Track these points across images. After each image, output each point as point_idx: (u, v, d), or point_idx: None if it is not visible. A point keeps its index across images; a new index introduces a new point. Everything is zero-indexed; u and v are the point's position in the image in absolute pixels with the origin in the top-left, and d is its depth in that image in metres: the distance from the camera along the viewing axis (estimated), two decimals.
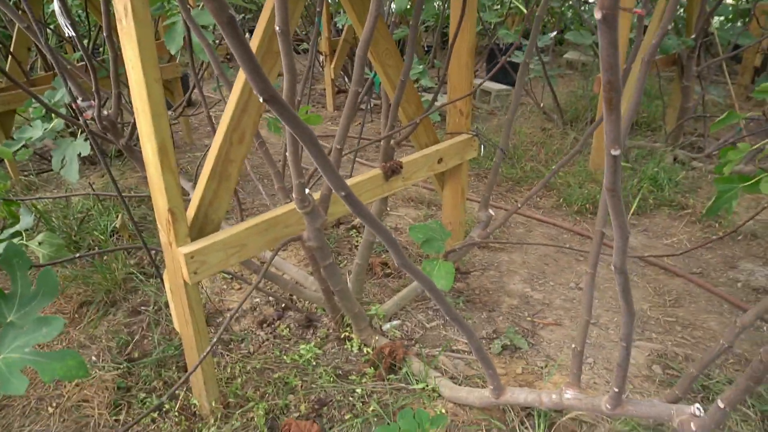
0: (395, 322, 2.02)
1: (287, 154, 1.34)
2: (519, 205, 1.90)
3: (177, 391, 1.77)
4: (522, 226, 2.87)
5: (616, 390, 1.02)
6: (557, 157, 3.51)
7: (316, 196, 1.57)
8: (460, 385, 1.70)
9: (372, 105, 4.73)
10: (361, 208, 0.83)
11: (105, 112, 1.59)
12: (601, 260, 2.50)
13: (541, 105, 4.03)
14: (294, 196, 1.38)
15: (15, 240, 1.85)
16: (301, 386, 1.76)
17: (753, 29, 3.72)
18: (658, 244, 2.65)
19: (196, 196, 1.45)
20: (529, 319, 2.07)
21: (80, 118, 1.57)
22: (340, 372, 1.82)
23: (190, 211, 1.45)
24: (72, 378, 1.00)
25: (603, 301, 2.19)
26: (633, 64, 1.68)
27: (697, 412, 0.91)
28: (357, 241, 2.65)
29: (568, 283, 2.34)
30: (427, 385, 1.69)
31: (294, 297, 2.24)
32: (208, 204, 1.45)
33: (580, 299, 2.21)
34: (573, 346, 1.19)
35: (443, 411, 1.58)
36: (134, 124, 1.31)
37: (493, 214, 2.01)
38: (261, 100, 0.59)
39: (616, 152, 0.57)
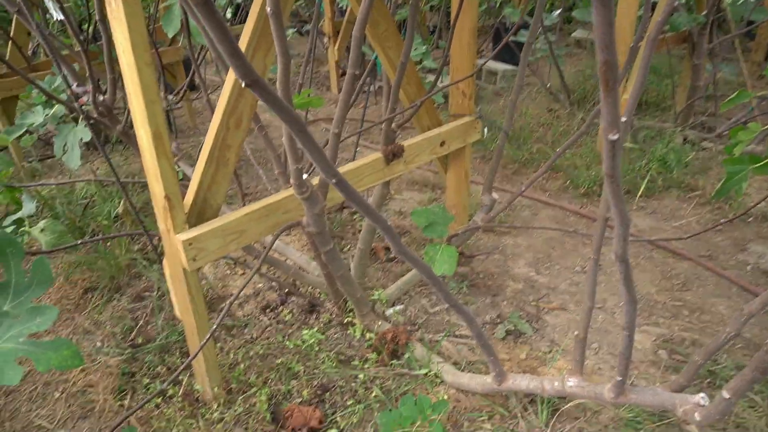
0: (398, 307, 2.00)
1: (283, 139, 1.32)
2: (523, 188, 1.86)
3: (180, 377, 1.78)
4: (527, 209, 2.83)
5: (619, 378, 1.00)
6: (564, 139, 3.46)
7: (316, 181, 1.54)
8: (463, 370, 1.69)
9: (377, 87, 4.68)
10: (354, 195, 0.80)
11: (101, 98, 1.57)
12: (610, 243, 2.47)
13: (548, 85, 3.96)
14: (292, 181, 1.36)
15: (16, 227, 1.85)
16: (304, 372, 1.76)
17: (767, 4, 3.61)
18: (667, 226, 2.61)
19: (194, 182, 1.43)
20: (533, 303, 2.05)
21: (76, 103, 1.54)
22: (343, 357, 1.82)
23: (189, 197, 1.44)
24: (67, 368, 0.99)
25: (609, 285, 2.17)
26: (640, 43, 1.63)
27: (702, 402, 0.89)
28: (360, 226, 2.63)
29: (574, 267, 2.31)
30: (430, 371, 1.67)
31: (297, 282, 2.23)
32: (206, 189, 1.44)
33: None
34: (576, 333, 1.16)
35: (445, 397, 1.57)
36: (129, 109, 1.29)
37: (497, 197, 1.98)
38: (243, 85, 0.57)
39: (614, 137, 0.54)
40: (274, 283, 2.22)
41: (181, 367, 1.28)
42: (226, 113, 1.37)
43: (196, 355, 1.34)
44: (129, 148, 3.63)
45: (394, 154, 1.78)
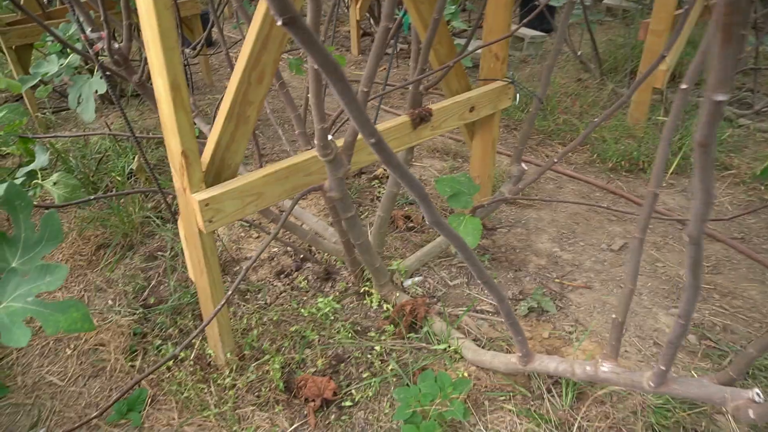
0: (417, 279, 1.94)
1: (309, 96, 1.23)
2: (555, 160, 1.77)
3: (192, 341, 1.74)
4: (552, 182, 2.74)
5: (663, 368, 0.93)
6: (592, 110, 3.32)
7: (339, 143, 1.46)
8: (483, 347, 1.63)
9: (398, 49, 4.53)
10: (392, 157, 0.72)
11: (116, 45, 1.49)
12: (632, 221, 2.38)
13: (578, 53, 3.80)
14: (315, 142, 1.28)
15: (29, 179, 1.79)
16: (318, 341, 1.71)
17: None
18: None
19: (211, 140, 1.35)
20: (557, 280, 1.98)
21: (91, 50, 1.46)
22: (359, 328, 1.77)
23: (206, 155, 1.36)
24: (76, 331, 0.94)
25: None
26: (692, 9, 1.51)
27: (757, 398, 0.82)
28: (379, 192, 2.55)
29: (599, 244, 2.22)
30: (449, 346, 1.62)
31: (313, 248, 2.17)
32: (224, 148, 1.36)
33: (612, 261, 2.11)
34: (613, 316, 1.09)
35: (465, 374, 1.52)
36: (146, 59, 1.21)
37: (526, 168, 1.88)
38: (279, 22, 0.48)
39: (722, 97, 0.45)
40: (289, 248, 2.16)
41: (195, 332, 1.23)
42: (248, 67, 1.28)
43: (211, 320, 1.29)
44: (144, 103, 3.55)
45: (421, 118, 1.68)
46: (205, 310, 1.57)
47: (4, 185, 1.01)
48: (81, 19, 1.50)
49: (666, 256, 2.13)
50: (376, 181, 2.64)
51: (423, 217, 2.28)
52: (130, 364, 1.70)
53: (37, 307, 0.93)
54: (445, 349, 1.62)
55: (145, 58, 1.40)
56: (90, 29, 1.47)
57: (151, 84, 1.30)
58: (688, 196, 2.59)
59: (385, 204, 1.94)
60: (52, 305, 0.95)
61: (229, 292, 1.29)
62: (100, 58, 1.55)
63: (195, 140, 1.27)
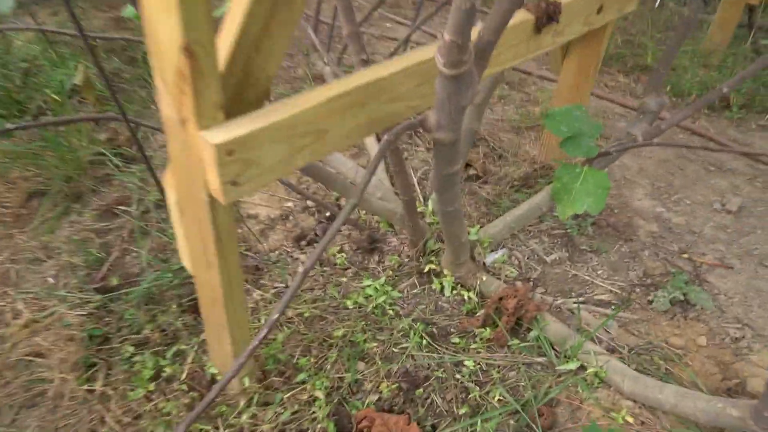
0: (501, 253, 1.38)
1: None
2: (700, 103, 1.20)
3: (185, 350, 1.15)
4: (623, 119, 2.18)
5: None
6: (653, 32, 2.73)
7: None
8: (626, 362, 1.11)
9: None
10: None
11: None
12: (735, 172, 1.88)
13: None
14: (445, 39, 0.66)
15: None
16: (377, 351, 1.15)
17: None
18: None
19: (228, 34, 0.71)
20: (685, 256, 1.46)
21: None
22: (434, 330, 1.21)
23: (219, 61, 0.72)
24: None
25: (760, 235, 1.58)
26: None
27: None
28: None
29: (711, 203, 1.71)
30: (584, 366, 1.09)
31: (341, 200, 1.57)
32: (251, 47, 0.72)
33: (736, 228, 1.60)
34: None
35: (623, 418, 1.00)
36: None
37: (667, 101, 1.31)
38: None
39: None
40: (309, 202, 1.55)
41: (212, 394, 0.65)
42: None
43: (238, 371, 0.70)
44: None
45: (549, 16, 1.07)
46: (213, 324, 0.97)
47: None
48: None
49: None
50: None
51: (491, 165, 1.69)
52: (86, 386, 1.11)
53: None
54: (575, 369, 1.09)
55: None
56: None
57: None
58: None
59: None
60: None
61: (275, 318, 0.69)
62: None
63: (212, 25, 0.63)
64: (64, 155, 1.58)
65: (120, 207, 1.51)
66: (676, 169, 1.90)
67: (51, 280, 1.35)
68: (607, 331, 1.20)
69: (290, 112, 0.73)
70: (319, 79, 2.21)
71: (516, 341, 1.16)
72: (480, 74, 0.78)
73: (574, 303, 1.25)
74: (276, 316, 0.70)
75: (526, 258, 1.40)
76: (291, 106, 0.74)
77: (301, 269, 1.33)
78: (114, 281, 1.32)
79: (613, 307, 1.27)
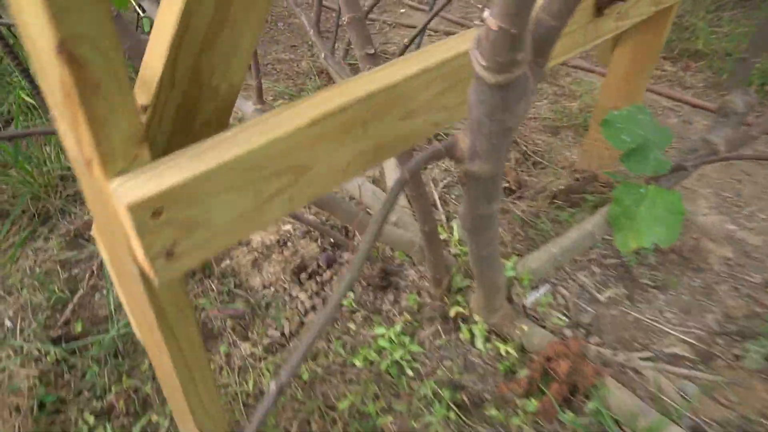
0: (543, 290, 1.13)
1: None
2: None
3: (156, 422, 0.93)
4: (673, 114, 1.90)
5: None
6: (697, 10, 2.42)
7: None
8: None
9: None
10: None
11: None
12: None
13: None
14: (489, 23, 0.41)
15: None
16: (392, 430, 0.91)
17: None
18: None
19: (166, 17, 0.47)
20: None
21: None
22: (464, 398, 0.96)
23: (152, 61, 0.48)
24: None
25: None
26: None
27: None
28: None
29: None
30: None
31: (350, 227, 1.32)
32: (202, 41, 0.48)
33: None
34: None
35: None
36: None
37: (756, 99, 1.04)
38: None
39: None
40: (311, 228, 1.31)
41: None
42: None
43: None
44: None
45: None
46: (174, 404, 0.74)
47: None
48: None
49: None
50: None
51: (525, 175, 1.43)
52: None
53: None
54: None
55: None
56: None
57: None
58: None
59: None
60: None
61: (269, 403, 0.45)
62: None
63: (110, 9, 0.38)
64: (29, 172, 1.37)
65: (90, 232, 1.29)
66: (742, 174, 1.62)
67: (8, 324, 1.14)
68: (685, 398, 0.94)
69: (254, 142, 0.48)
70: (325, 75, 1.96)
71: (569, 415, 0.91)
72: (537, 79, 0.52)
73: (641, 360, 0.99)
74: (269, 401, 0.46)
75: (572, 295, 1.14)
76: (255, 132, 0.50)
77: (301, 309, 1.10)
78: (78, 327, 1.10)
79: (689, 363, 1.01)
